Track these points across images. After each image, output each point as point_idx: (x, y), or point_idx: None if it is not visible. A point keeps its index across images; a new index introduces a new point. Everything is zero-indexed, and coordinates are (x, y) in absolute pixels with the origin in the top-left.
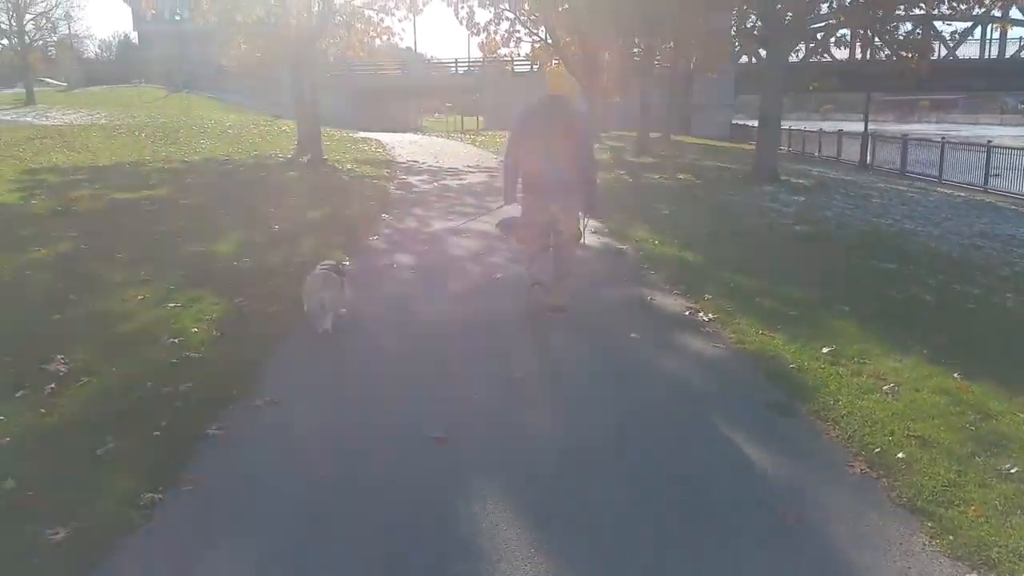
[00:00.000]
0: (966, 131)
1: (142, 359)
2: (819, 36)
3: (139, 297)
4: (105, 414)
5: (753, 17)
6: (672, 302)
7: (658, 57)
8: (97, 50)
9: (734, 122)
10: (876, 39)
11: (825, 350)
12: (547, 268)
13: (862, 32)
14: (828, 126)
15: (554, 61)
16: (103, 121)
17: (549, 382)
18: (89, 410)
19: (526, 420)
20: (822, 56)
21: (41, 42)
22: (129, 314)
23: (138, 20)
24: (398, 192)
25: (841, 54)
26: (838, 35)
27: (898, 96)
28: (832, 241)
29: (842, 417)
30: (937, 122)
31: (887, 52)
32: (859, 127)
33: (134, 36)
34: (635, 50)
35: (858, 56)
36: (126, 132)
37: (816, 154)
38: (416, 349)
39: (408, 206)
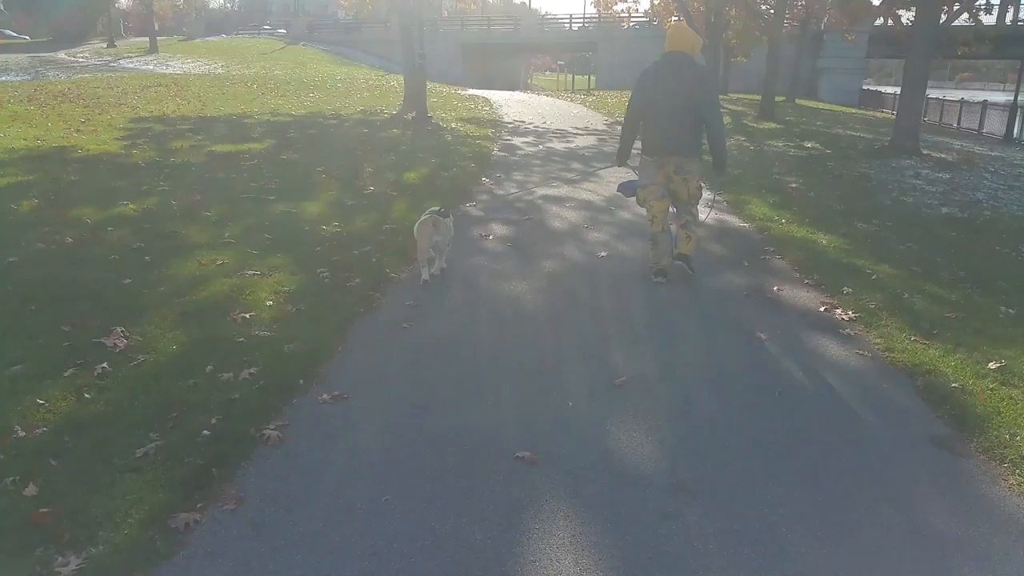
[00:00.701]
0: None
1: (207, 336)
2: None
3: (218, 262)
4: (155, 403)
5: None
6: (804, 295)
7: (787, 15)
8: (222, 1)
9: (864, 87)
10: None
11: (992, 365)
12: (669, 251)
13: None
14: (968, 95)
15: (675, 17)
16: (219, 71)
17: (656, 393)
18: (138, 398)
19: (626, 442)
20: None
21: None
22: (203, 281)
23: None
24: (500, 154)
25: (988, 19)
26: None
27: None
28: (987, 228)
29: (1021, 458)
30: None
31: None
32: (1000, 97)
33: None
34: (763, 6)
35: (1008, 20)
36: (239, 83)
37: (955, 126)
38: (503, 340)
39: (509, 169)
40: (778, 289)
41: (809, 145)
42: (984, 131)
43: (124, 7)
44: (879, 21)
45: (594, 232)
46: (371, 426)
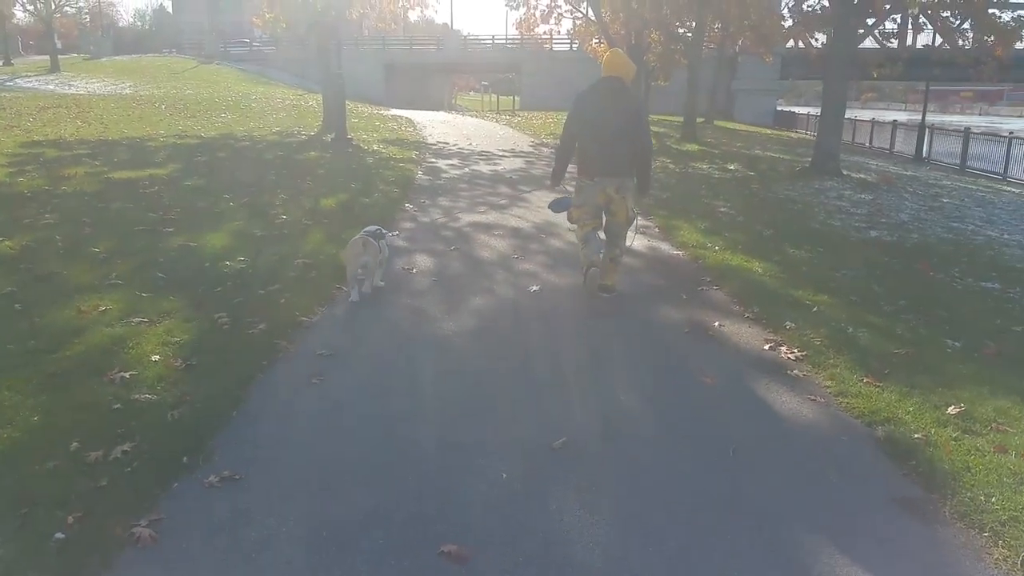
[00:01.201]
0: (1013, 124)
1: (77, 403)
2: (896, 19)
3: (101, 308)
4: (3, 497)
5: None
6: (747, 331)
7: (705, 38)
8: (131, 19)
9: (778, 108)
10: (965, 23)
11: (952, 410)
12: (599, 248)
13: (949, 14)
14: (876, 115)
15: (595, 40)
16: (127, 91)
17: (599, 456)
18: None
19: (570, 524)
20: (888, 41)
21: (72, 8)
22: (81, 332)
23: None
24: (425, 178)
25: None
26: (915, 16)
27: (942, 86)
28: (917, 252)
29: (1002, 526)
30: (981, 114)
31: (971, 38)
32: (903, 116)
33: (168, 4)
34: (681, 30)
35: (920, 43)
36: (146, 104)
37: (868, 145)
38: (427, 397)
39: (434, 194)
40: (719, 325)
41: (732, 167)
42: (895, 150)
43: (21, 23)
44: (790, 43)
45: (524, 262)
46: (266, 516)
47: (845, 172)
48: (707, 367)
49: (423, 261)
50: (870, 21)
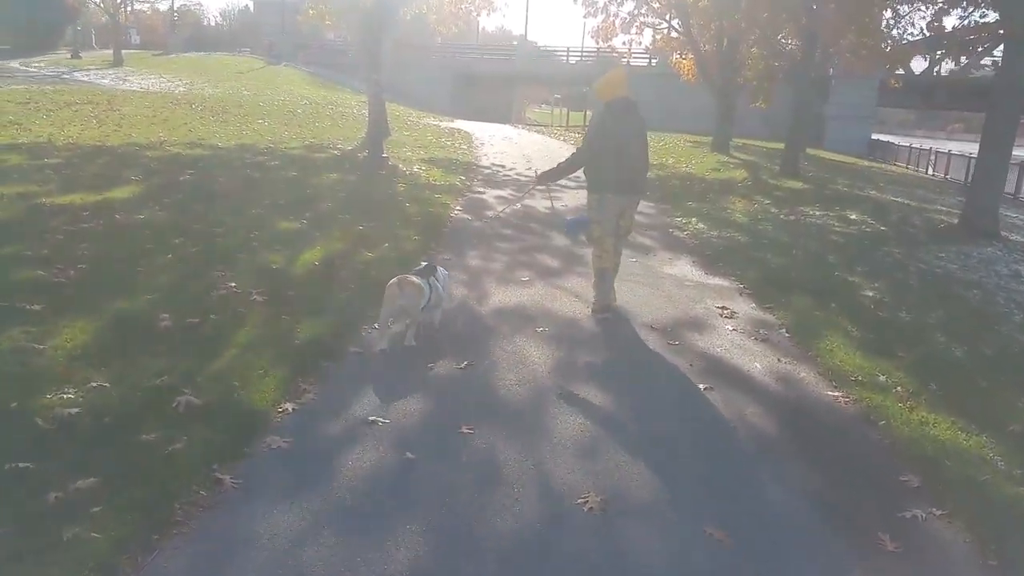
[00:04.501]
0: None
1: None
2: None
3: None
4: None
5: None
6: None
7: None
8: (218, 17)
9: (874, 137)
10: None
11: None
12: (612, 285)
13: None
14: (958, 148)
15: (676, 54)
16: (180, 89)
17: None
18: None
19: None
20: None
21: (144, 6)
22: None
23: None
24: (461, 216)
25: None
26: None
27: None
28: None
29: None
30: None
31: None
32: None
33: (251, 4)
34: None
35: None
36: (185, 104)
37: (1011, 192)
38: None
39: (464, 247)
40: None
41: (854, 217)
42: (1022, 196)
43: (100, 18)
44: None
45: (576, 405)
46: None
47: (1003, 233)
48: None
49: (408, 400)
50: None
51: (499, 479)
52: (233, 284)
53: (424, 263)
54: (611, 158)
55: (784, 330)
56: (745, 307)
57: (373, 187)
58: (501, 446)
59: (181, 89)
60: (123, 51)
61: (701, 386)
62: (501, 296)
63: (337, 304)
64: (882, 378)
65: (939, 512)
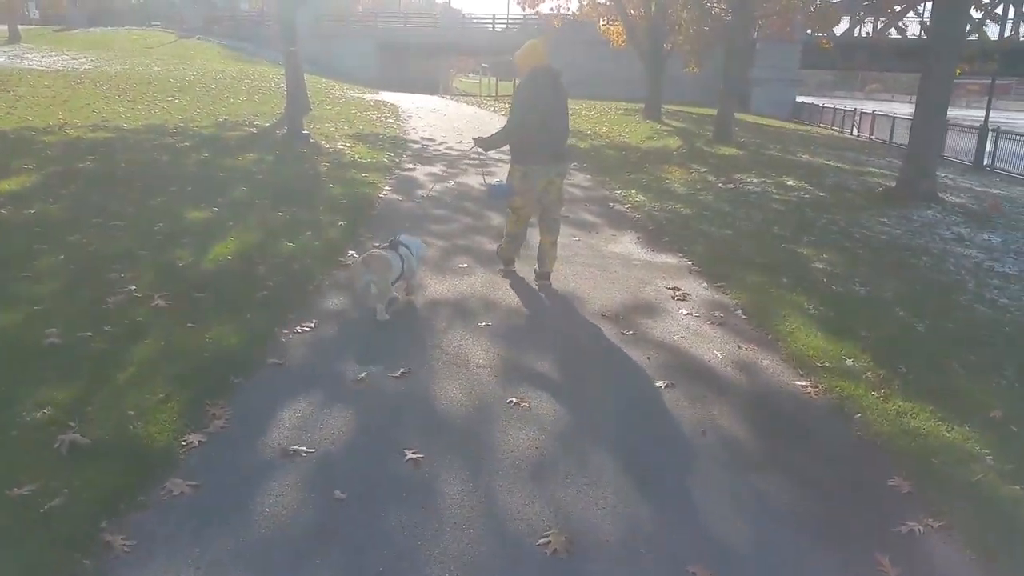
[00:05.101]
0: None
1: None
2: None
3: None
4: None
5: None
6: None
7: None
8: None
9: (798, 99)
10: None
11: None
12: (521, 244)
13: None
14: (875, 108)
15: (603, 21)
16: (86, 67)
17: None
18: None
19: None
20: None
21: None
22: None
23: None
24: (391, 198)
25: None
26: None
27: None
28: None
29: None
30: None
31: None
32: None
33: None
34: (717, 9)
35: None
36: (88, 82)
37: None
38: None
39: (397, 231)
40: None
41: (791, 183)
42: (946, 155)
43: None
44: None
45: (529, 418)
46: None
47: (939, 194)
48: None
49: (328, 431)
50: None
51: (445, 519)
52: (133, 287)
53: (396, 234)
54: (536, 129)
55: (740, 311)
56: (697, 287)
57: (293, 168)
58: (445, 476)
59: (86, 67)
60: (20, 27)
61: (662, 383)
62: (438, 287)
63: (252, 306)
64: (849, 362)
65: (936, 524)
